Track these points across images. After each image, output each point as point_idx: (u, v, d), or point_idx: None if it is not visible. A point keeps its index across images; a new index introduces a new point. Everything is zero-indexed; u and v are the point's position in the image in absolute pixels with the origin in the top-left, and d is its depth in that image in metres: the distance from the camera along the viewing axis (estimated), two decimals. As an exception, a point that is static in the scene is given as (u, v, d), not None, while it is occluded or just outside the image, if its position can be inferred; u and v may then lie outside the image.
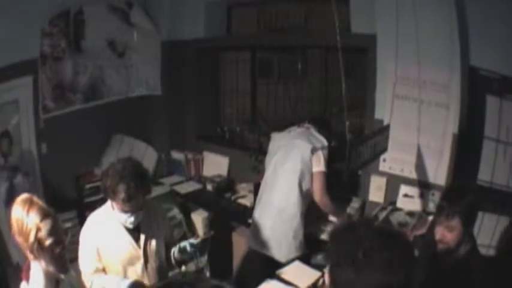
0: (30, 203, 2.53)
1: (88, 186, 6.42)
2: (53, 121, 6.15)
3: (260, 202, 4.89)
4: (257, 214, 4.86)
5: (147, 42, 7.13)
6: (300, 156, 4.59)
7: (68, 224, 5.30)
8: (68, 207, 5.77)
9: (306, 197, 4.68)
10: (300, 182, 4.60)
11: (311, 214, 4.80)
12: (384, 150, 4.19)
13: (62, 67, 6.21)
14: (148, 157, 6.87)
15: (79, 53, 6.39)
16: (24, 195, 2.65)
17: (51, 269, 2.55)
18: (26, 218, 2.46)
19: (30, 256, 2.53)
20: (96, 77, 6.69)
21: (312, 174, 4.61)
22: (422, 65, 4.44)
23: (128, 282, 3.38)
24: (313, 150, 4.55)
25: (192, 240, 3.71)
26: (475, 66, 4.30)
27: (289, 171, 4.64)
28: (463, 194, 3.01)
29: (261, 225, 4.76)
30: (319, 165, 4.54)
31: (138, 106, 7.22)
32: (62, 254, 2.60)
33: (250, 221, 5.28)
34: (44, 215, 2.50)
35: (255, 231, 4.81)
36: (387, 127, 4.29)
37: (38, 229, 2.45)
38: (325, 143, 4.64)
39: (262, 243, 4.71)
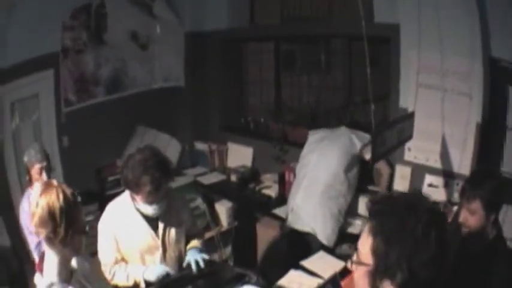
0: (48, 186, 2.50)
1: (110, 178, 6.41)
2: (74, 114, 6.17)
3: (301, 186, 4.93)
4: (299, 196, 4.89)
5: (170, 34, 7.13)
6: (348, 147, 4.81)
7: (90, 217, 5.26)
8: (90, 200, 5.76)
9: (351, 186, 4.81)
10: (346, 169, 4.74)
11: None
12: (409, 137, 4.15)
13: (83, 60, 6.24)
14: (171, 149, 6.84)
15: (101, 46, 6.41)
16: (44, 182, 2.63)
17: (66, 252, 2.52)
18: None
19: (46, 244, 2.49)
20: (119, 69, 6.71)
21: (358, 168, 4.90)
22: (444, 54, 4.41)
23: (152, 268, 3.39)
24: (366, 145, 4.69)
25: (204, 256, 3.62)
26: (496, 57, 4.25)
27: (337, 155, 4.79)
28: (486, 178, 2.98)
29: (306, 204, 4.80)
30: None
31: (161, 98, 7.22)
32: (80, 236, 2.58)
33: (275, 211, 5.37)
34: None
35: (298, 211, 4.85)
36: (412, 114, 4.26)
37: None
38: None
39: (307, 222, 4.75)
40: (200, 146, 7.22)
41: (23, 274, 5.06)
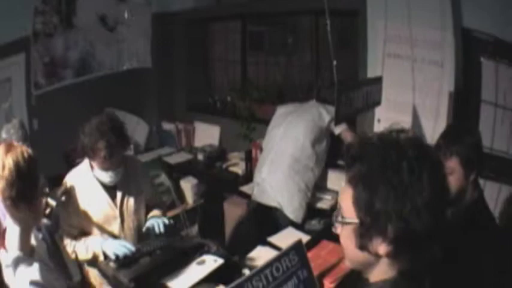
0: (11, 147, 2.47)
1: (77, 160, 6.32)
2: (44, 97, 6.12)
3: (267, 159, 4.80)
4: (265, 169, 4.75)
5: (137, 16, 7.05)
6: (317, 121, 4.67)
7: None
8: (59, 182, 5.71)
9: (319, 160, 4.68)
10: (313, 142, 4.61)
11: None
12: (378, 103, 4.08)
13: (53, 43, 6.17)
14: (139, 130, 6.89)
15: (70, 29, 6.33)
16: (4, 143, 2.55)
17: (30, 218, 2.42)
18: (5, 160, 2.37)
19: (9, 211, 2.39)
20: (87, 52, 6.63)
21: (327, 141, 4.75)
22: (413, 24, 4.35)
23: (111, 242, 3.28)
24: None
25: (165, 220, 3.52)
26: (468, 27, 4.20)
27: (304, 128, 4.64)
28: (463, 134, 2.83)
29: (272, 177, 4.66)
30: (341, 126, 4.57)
31: (128, 79, 7.16)
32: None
33: (242, 188, 5.33)
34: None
35: (264, 184, 4.71)
36: (380, 78, 4.18)
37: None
38: None
39: (273, 196, 4.63)
40: (167, 126, 7.20)
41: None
